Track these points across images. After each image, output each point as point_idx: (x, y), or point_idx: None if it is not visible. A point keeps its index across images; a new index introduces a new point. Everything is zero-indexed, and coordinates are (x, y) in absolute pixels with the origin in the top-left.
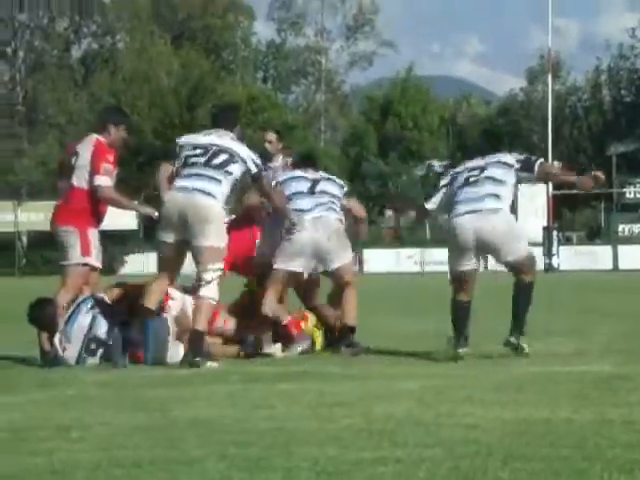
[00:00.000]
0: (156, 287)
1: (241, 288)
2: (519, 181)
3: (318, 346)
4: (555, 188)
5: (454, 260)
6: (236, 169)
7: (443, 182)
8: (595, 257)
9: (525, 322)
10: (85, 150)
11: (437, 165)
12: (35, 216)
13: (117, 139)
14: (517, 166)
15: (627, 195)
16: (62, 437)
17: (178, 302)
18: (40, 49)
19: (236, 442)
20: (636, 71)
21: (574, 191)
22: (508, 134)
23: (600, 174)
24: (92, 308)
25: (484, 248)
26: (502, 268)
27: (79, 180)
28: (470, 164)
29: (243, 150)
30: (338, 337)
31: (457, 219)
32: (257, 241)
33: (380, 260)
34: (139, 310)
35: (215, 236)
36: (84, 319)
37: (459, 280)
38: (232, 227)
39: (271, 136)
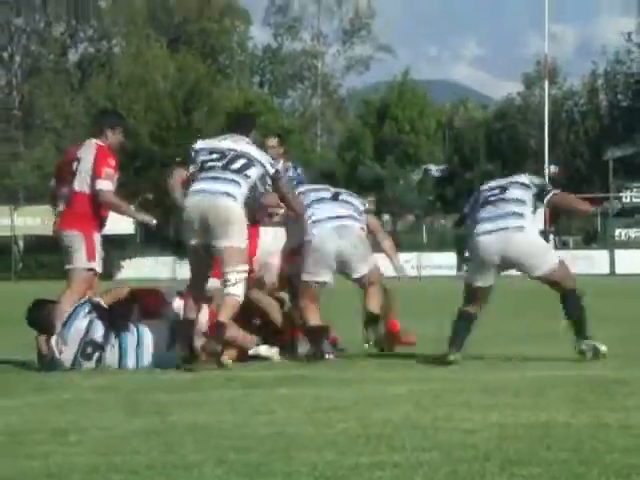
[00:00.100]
0: (190, 300)
1: None
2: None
3: None
4: None
5: (472, 274)
6: (254, 173)
7: (466, 209)
8: (592, 261)
9: (586, 326)
10: (87, 155)
11: (434, 169)
12: (31, 220)
13: (114, 142)
14: (534, 190)
15: (624, 199)
16: (59, 441)
17: (176, 307)
18: (36, 53)
19: (235, 447)
20: (632, 75)
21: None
22: (505, 138)
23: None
24: (89, 312)
25: (510, 265)
26: (516, 272)
27: (81, 185)
28: (490, 184)
29: (260, 154)
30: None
31: (481, 238)
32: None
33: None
34: (178, 325)
35: (237, 236)
36: (81, 323)
37: (472, 294)
38: None
39: (273, 141)
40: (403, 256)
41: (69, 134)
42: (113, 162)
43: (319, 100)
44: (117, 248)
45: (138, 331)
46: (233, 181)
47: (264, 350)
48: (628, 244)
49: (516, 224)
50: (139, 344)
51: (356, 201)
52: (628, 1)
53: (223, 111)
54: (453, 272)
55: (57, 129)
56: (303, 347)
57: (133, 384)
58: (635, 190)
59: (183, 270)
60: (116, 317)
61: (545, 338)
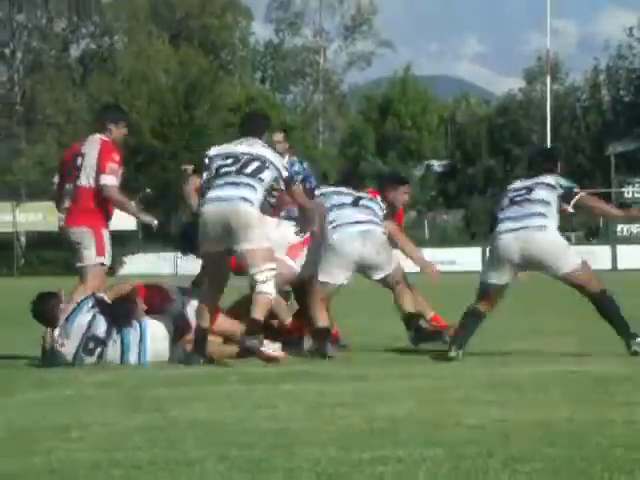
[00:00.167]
0: (205, 306)
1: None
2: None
3: None
4: None
5: (488, 271)
6: (267, 176)
7: (494, 209)
8: (594, 257)
9: (628, 324)
10: (91, 150)
11: (436, 165)
12: (33, 216)
13: (118, 137)
14: (560, 192)
15: (625, 195)
16: (60, 437)
17: (178, 305)
18: (38, 49)
19: (236, 443)
20: (634, 71)
21: None
22: (507, 134)
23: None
24: (93, 307)
25: (530, 265)
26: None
27: (87, 180)
28: (516, 184)
29: (274, 156)
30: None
31: (503, 236)
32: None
33: None
34: (196, 331)
35: (259, 238)
36: (84, 318)
37: (485, 291)
38: None
39: (279, 136)
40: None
41: (71, 130)
42: (117, 157)
43: (321, 96)
44: (119, 244)
45: (141, 326)
46: (248, 185)
47: (265, 346)
48: (630, 239)
49: (538, 223)
50: (142, 339)
51: (376, 206)
52: None
53: (225, 107)
54: (455, 267)
55: (59, 125)
56: (308, 343)
57: (135, 380)
58: (637, 185)
59: (185, 266)
60: (119, 312)
61: (552, 334)
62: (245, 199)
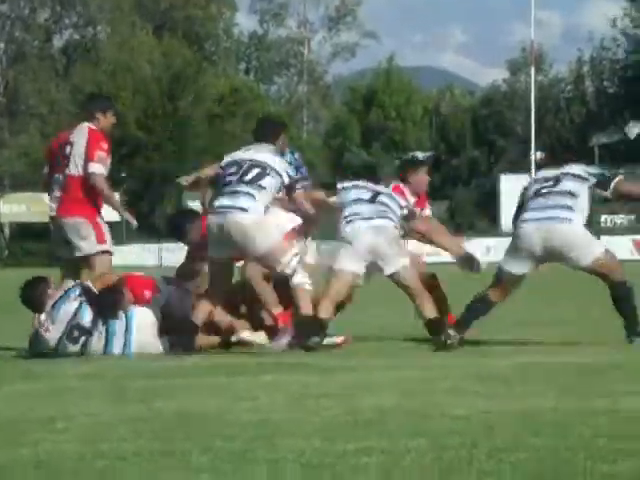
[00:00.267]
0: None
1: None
2: (593, 198)
3: None
4: None
5: (507, 258)
6: (269, 182)
7: (519, 200)
8: None
9: (637, 321)
10: (80, 139)
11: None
12: (17, 207)
13: (106, 126)
14: (593, 181)
15: None
16: (47, 429)
17: (164, 294)
18: (21, 40)
19: (220, 434)
20: (618, 62)
21: None
22: (491, 125)
23: None
24: (79, 296)
25: (552, 257)
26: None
27: (77, 169)
28: (542, 174)
29: (278, 162)
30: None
31: (524, 225)
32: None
33: None
34: (187, 325)
35: (263, 238)
36: (70, 305)
37: (501, 280)
38: None
39: None
40: None
41: (54, 120)
42: (106, 145)
43: (305, 87)
44: None
45: (127, 317)
46: (247, 194)
47: (248, 335)
48: (614, 230)
49: (563, 215)
50: (127, 330)
51: (394, 203)
52: None
53: (209, 98)
54: (439, 259)
55: (42, 115)
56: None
57: (120, 371)
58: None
59: (169, 257)
60: (105, 303)
61: (543, 324)
62: (243, 209)
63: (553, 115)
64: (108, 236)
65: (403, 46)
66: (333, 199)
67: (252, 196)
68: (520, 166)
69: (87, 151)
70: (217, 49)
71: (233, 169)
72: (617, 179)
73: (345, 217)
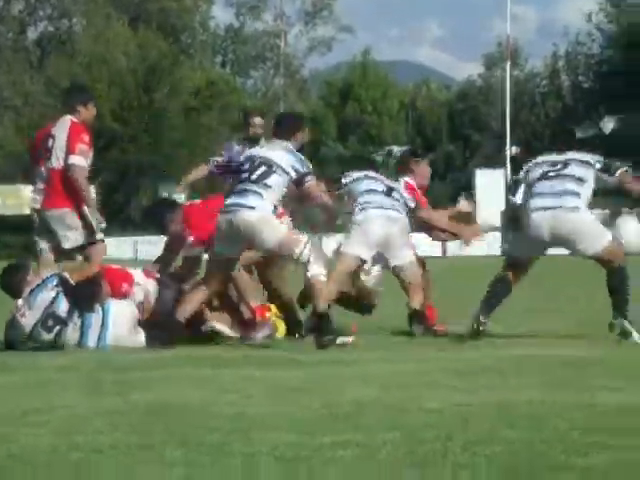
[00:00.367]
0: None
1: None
2: (597, 185)
3: (280, 334)
4: (513, 173)
5: (517, 244)
6: (274, 181)
7: (520, 176)
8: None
9: (626, 307)
10: (61, 132)
11: (397, 150)
12: None
13: (88, 118)
14: (598, 167)
15: None
16: (21, 422)
17: (142, 288)
18: None
19: (196, 427)
20: (593, 57)
21: None
22: (467, 119)
23: None
24: (57, 286)
25: (560, 244)
26: None
27: (58, 162)
28: (549, 158)
29: (285, 159)
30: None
31: (535, 214)
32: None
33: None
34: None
35: (271, 233)
36: (48, 294)
37: (514, 265)
38: (208, 203)
39: (257, 120)
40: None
41: (28, 113)
42: (87, 138)
43: (281, 80)
44: None
45: (104, 310)
46: (255, 193)
47: (218, 326)
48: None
49: (572, 204)
50: (104, 323)
51: (404, 199)
52: None
53: (185, 90)
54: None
55: (17, 108)
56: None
57: (95, 363)
58: None
59: (145, 250)
60: (82, 295)
61: (509, 318)
62: (250, 207)
63: (528, 110)
64: (96, 224)
65: (379, 40)
66: (340, 191)
67: (260, 195)
68: (495, 161)
69: (68, 144)
70: (193, 42)
71: (247, 165)
72: (622, 169)
73: (358, 204)
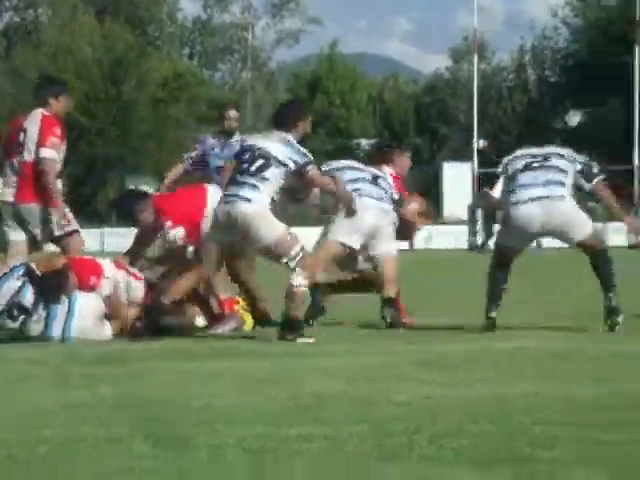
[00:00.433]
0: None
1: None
2: (573, 182)
3: (247, 327)
4: (480, 167)
5: (506, 236)
6: (272, 174)
7: (500, 170)
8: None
9: (614, 287)
10: (33, 125)
11: (365, 143)
12: None
13: (60, 110)
14: (578, 167)
15: None
16: None
17: (111, 281)
18: None
19: (162, 420)
20: (559, 51)
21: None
22: (434, 113)
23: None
24: (23, 275)
25: (548, 233)
26: None
27: (30, 155)
28: (529, 151)
29: (281, 151)
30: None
31: (523, 207)
32: None
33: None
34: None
35: (268, 230)
36: (14, 283)
37: (504, 256)
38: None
39: (232, 112)
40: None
41: None
42: (59, 131)
43: (249, 73)
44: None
45: (70, 301)
46: (252, 185)
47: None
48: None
49: (558, 193)
50: (69, 314)
51: (389, 188)
52: None
53: (153, 82)
54: None
55: None
56: (231, 324)
57: (63, 357)
58: None
59: (111, 242)
60: (48, 286)
61: (475, 312)
62: (247, 199)
63: (495, 103)
64: (70, 215)
65: (348, 32)
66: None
67: (256, 187)
68: (462, 154)
69: (40, 137)
70: (161, 34)
71: (246, 156)
72: (599, 178)
73: (353, 192)
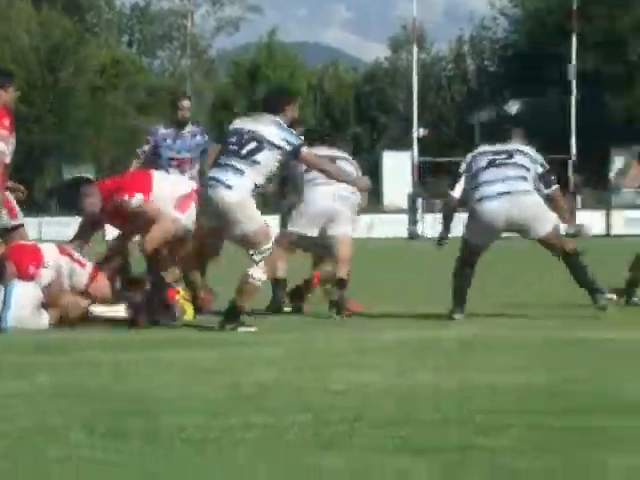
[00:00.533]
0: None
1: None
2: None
3: (188, 316)
4: (420, 155)
5: (474, 233)
6: (264, 157)
7: (462, 168)
8: (460, 223)
9: (595, 282)
10: None
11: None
12: None
13: (8, 101)
14: (540, 170)
15: None
16: None
17: (51, 271)
18: None
19: (101, 410)
20: (498, 41)
21: (438, 159)
22: (374, 102)
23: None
24: None
25: (513, 228)
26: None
27: None
28: (492, 148)
29: (275, 134)
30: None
31: (488, 203)
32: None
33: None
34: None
35: (246, 222)
36: None
37: (471, 252)
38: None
39: (186, 103)
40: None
41: None
42: (7, 122)
43: (188, 61)
44: None
45: (7, 290)
46: (238, 170)
47: (103, 310)
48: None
49: (523, 187)
50: (6, 303)
51: (351, 167)
52: None
53: (91, 69)
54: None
55: None
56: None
57: (0, 346)
58: None
59: (49, 231)
60: None
61: (412, 300)
62: (228, 186)
63: (435, 93)
64: (18, 209)
65: (288, 20)
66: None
67: (241, 172)
68: (402, 143)
69: None
70: (99, 20)
71: (234, 139)
72: (557, 186)
73: (310, 180)
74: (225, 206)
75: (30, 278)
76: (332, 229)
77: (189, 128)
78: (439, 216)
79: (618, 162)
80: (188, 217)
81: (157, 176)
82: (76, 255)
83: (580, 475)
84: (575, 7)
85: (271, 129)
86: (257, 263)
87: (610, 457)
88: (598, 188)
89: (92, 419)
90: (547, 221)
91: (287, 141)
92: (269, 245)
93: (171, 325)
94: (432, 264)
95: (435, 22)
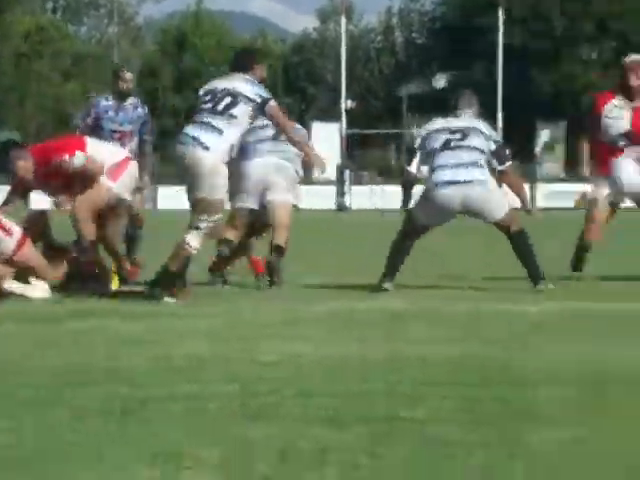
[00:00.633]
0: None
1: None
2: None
3: (114, 286)
4: (349, 127)
5: (422, 213)
6: (240, 111)
7: (417, 144)
8: (390, 197)
9: (538, 267)
10: None
11: None
12: None
13: None
14: (493, 147)
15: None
16: None
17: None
18: None
19: (23, 382)
20: (426, 14)
21: (366, 131)
22: (303, 73)
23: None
24: None
25: (468, 213)
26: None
27: None
28: (446, 125)
29: (249, 89)
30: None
31: (442, 190)
32: None
33: None
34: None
35: (209, 188)
36: None
37: (416, 231)
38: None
39: (128, 75)
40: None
41: None
42: None
43: (115, 28)
44: None
45: None
46: (216, 129)
47: (16, 286)
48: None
49: (478, 177)
50: None
51: (292, 148)
52: None
53: (15, 36)
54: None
55: None
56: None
57: None
58: None
59: None
60: None
61: (343, 272)
62: (204, 145)
63: (363, 65)
64: None
65: None
66: None
67: (220, 131)
68: (330, 114)
69: None
70: None
71: (208, 97)
72: (510, 163)
73: (248, 155)
74: (198, 169)
75: None
76: (270, 194)
77: (131, 100)
78: (366, 188)
79: (544, 136)
80: (119, 186)
81: (91, 141)
82: (3, 221)
83: (514, 447)
84: None
85: (244, 84)
86: (198, 230)
87: (542, 430)
88: (524, 162)
89: (14, 391)
90: (499, 208)
91: (259, 95)
92: (217, 217)
93: (102, 293)
94: (360, 236)
95: None
